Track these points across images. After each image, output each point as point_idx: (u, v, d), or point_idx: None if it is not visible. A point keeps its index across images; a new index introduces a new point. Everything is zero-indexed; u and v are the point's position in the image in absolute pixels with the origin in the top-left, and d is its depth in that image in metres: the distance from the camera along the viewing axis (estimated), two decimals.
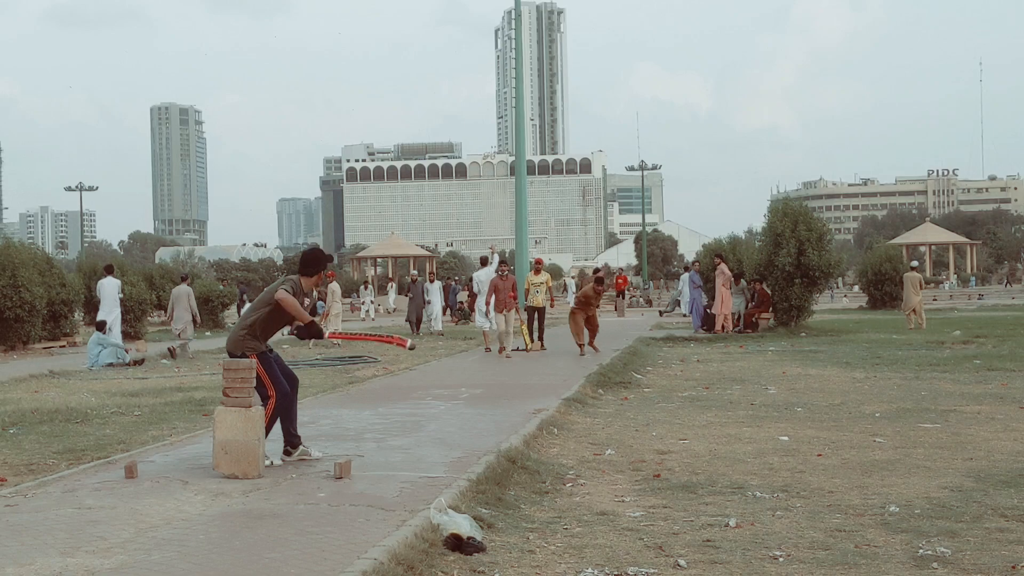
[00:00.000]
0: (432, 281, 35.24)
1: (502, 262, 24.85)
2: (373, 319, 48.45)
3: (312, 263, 9.58)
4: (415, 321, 33.82)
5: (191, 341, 25.70)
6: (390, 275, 79.02)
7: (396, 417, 12.56)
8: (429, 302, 33.89)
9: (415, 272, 45.58)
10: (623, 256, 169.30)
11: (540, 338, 24.05)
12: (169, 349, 24.03)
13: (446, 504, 7.05)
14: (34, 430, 12.33)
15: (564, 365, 19.64)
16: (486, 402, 14.00)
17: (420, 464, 9.16)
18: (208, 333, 35.39)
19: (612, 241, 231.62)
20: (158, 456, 9.79)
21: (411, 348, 11.13)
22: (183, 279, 27.34)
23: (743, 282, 29.22)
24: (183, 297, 25.90)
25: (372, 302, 51.50)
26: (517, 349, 23.66)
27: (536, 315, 24.03)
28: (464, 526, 6.69)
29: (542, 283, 23.92)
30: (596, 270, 30.12)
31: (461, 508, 7.25)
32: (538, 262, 24.92)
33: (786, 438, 10.99)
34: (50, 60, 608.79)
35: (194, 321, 26.13)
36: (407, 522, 6.83)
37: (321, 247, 9.94)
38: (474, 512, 7.24)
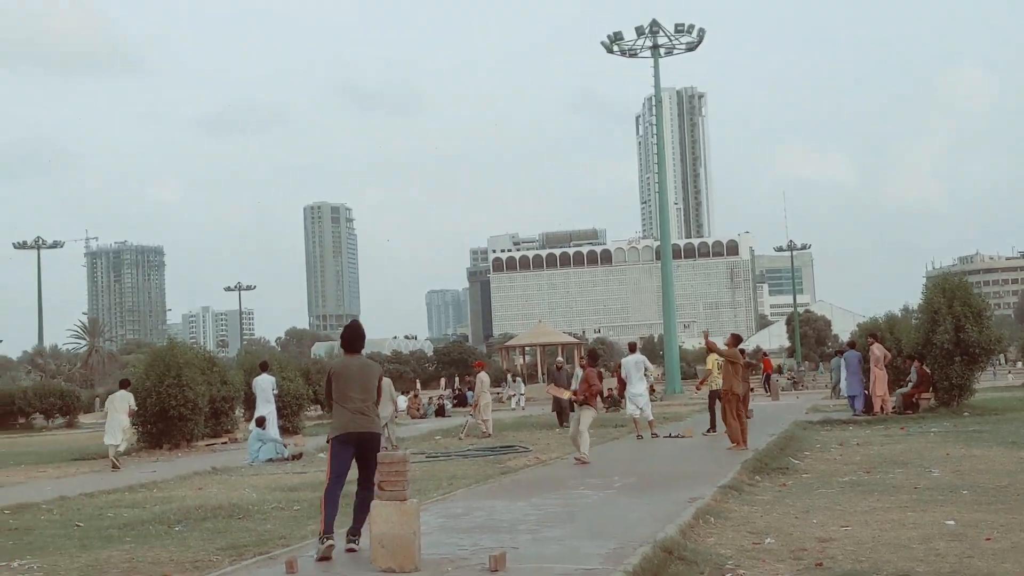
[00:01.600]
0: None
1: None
2: (523, 408, 48.55)
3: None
4: (559, 411, 32.39)
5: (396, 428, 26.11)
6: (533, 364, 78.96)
7: (549, 508, 12.53)
8: None
9: (561, 359, 44.43)
10: (774, 338, 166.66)
11: (712, 423, 23.90)
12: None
13: None
14: (199, 527, 12.66)
15: (719, 452, 19.34)
16: (640, 491, 13.87)
17: (575, 556, 9.11)
18: None
19: (763, 323, 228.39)
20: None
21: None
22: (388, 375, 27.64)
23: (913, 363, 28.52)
24: (386, 388, 26.00)
25: (522, 393, 51.62)
26: (670, 435, 23.51)
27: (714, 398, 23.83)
28: None
29: (711, 365, 24.13)
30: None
31: None
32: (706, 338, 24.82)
33: (952, 522, 10.61)
34: (203, 166, 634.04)
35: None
36: None
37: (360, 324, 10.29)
38: None
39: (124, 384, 25.83)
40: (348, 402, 9.94)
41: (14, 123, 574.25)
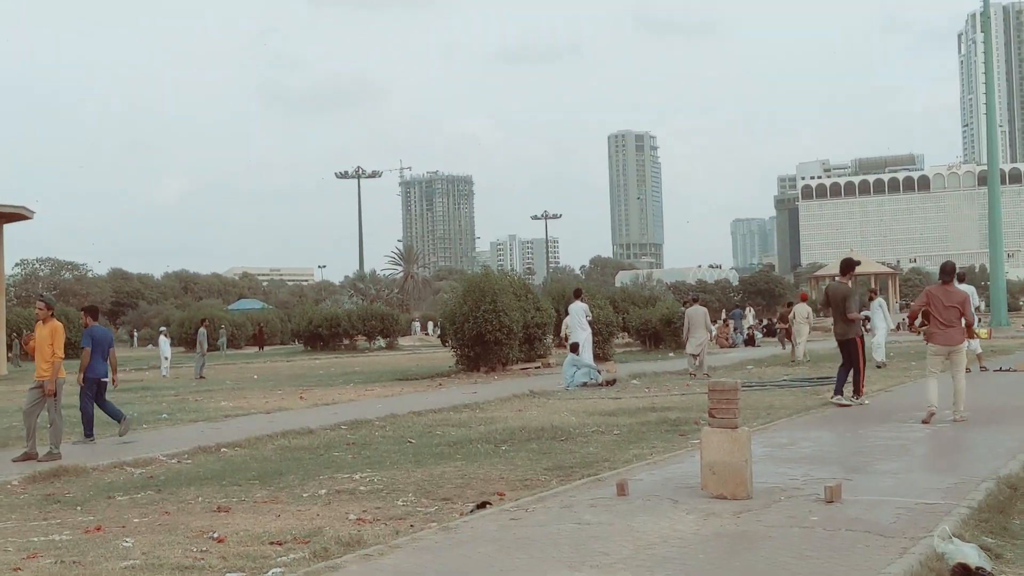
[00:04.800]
0: (872, 299, 27.69)
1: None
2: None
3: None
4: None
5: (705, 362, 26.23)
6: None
7: (879, 440, 12.14)
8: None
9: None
10: None
11: None
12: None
13: (950, 532, 6.71)
14: (523, 447, 13.00)
15: None
16: (973, 426, 13.22)
17: (913, 489, 8.79)
18: (671, 354, 35.98)
19: None
20: (644, 474, 10.01)
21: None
22: (694, 300, 27.52)
23: None
24: (699, 317, 26.01)
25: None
26: (1000, 369, 22.30)
27: None
28: (972, 556, 6.34)
29: None
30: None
31: (965, 536, 6.88)
32: None
33: None
34: (506, 98, 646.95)
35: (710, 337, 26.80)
36: (909, 550, 6.56)
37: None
38: (978, 541, 6.84)
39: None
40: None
41: (326, 59, 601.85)
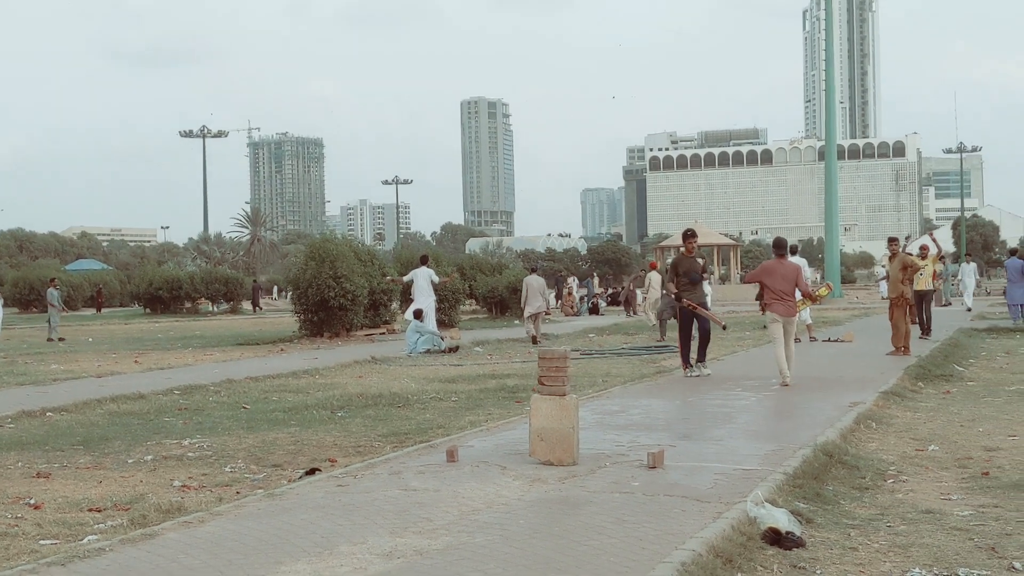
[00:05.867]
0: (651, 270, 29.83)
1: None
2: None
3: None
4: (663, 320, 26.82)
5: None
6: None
7: (706, 408, 12.46)
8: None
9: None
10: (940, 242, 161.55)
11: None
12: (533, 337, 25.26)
13: (763, 497, 6.94)
14: (360, 413, 12.98)
15: (879, 357, 18.91)
16: (799, 394, 13.67)
17: (733, 456, 9.05)
18: (516, 321, 36.26)
19: (927, 227, 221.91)
20: (476, 441, 10.09)
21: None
22: (532, 270, 28.32)
23: None
24: (536, 285, 26.61)
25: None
26: (829, 340, 23.09)
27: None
28: (782, 520, 6.57)
29: (925, 265, 23.55)
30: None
31: (778, 502, 7.14)
32: (923, 248, 25.08)
33: None
34: (355, 59, 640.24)
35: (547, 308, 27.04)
36: (723, 514, 6.76)
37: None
38: (791, 506, 7.10)
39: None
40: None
41: (167, 15, 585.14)
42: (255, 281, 65.59)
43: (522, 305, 27.17)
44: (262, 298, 77.74)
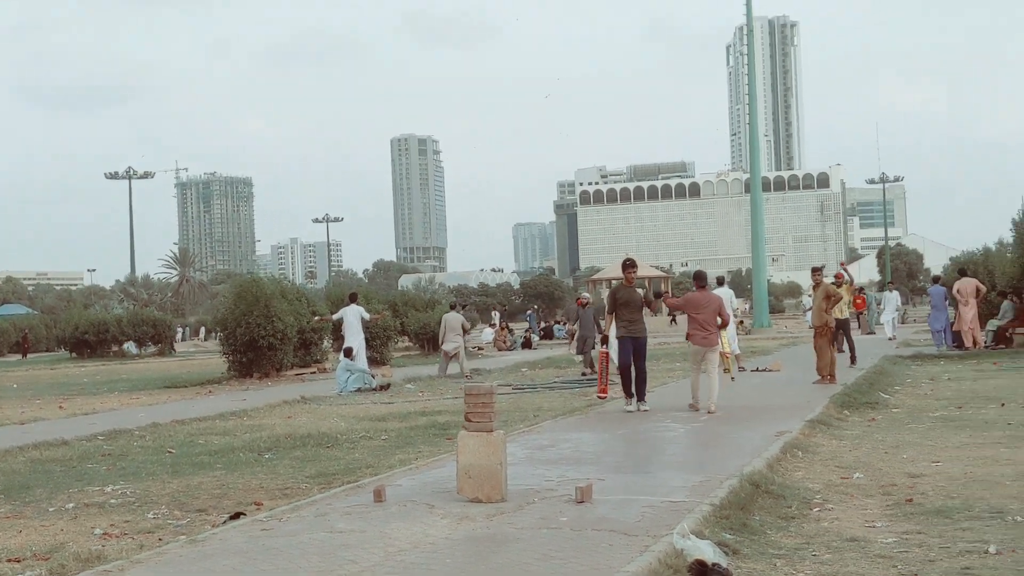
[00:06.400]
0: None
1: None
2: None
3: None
4: (586, 353, 26.62)
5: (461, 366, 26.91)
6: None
7: (636, 440, 12.50)
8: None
9: (586, 295, 31.91)
10: (865, 272, 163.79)
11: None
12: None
13: (689, 529, 6.94)
14: (288, 455, 12.83)
15: (806, 386, 19.11)
16: (727, 424, 13.76)
17: (661, 488, 9.07)
18: None
19: (853, 257, 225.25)
20: (405, 480, 10.02)
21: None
22: (452, 307, 28.68)
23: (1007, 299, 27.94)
24: (455, 321, 26.97)
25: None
26: (757, 369, 23.28)
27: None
28: (708, 552, 6.57)
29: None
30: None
31: (705, 533, 7.14)
32: (837, 276, 25.43)
33: None
34: (284, 97, 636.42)
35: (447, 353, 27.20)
36: (650, 547, 6.76)
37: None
38: (718, 538, 7.11)
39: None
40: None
41: (91, 56, 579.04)
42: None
43: (440, 342, 27.54)
44: (191, 339, 76.93)
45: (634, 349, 15.85)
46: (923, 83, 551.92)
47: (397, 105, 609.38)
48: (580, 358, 27.09)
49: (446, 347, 26.83)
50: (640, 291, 16.36)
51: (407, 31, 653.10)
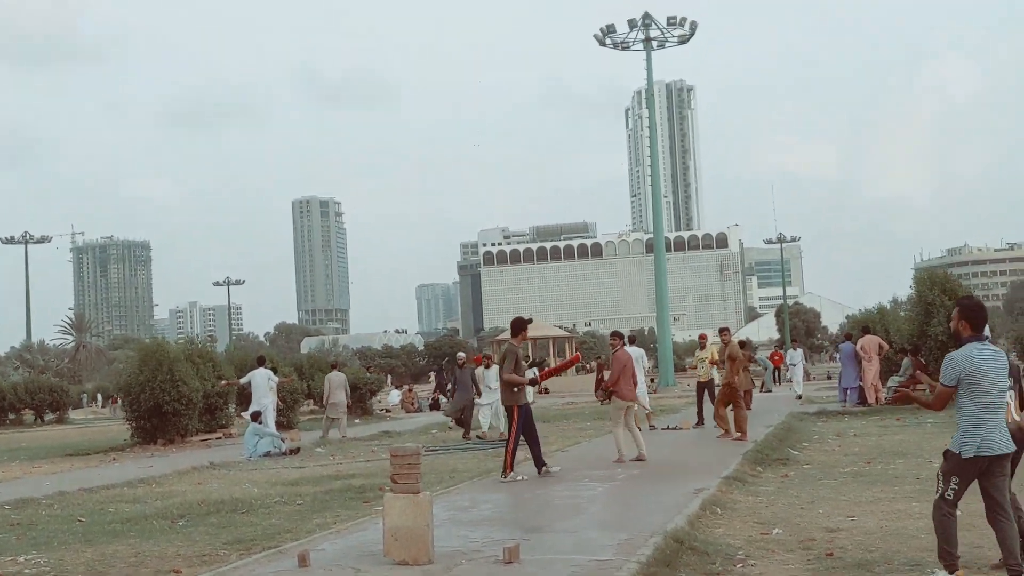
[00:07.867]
0: (489, 367, 25.58)
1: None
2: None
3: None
4: (465, 418, 25.97)
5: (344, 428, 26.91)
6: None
7: (555, 500, 12.52)
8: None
9: (462, 355, 30.39)
10: (764, 330, 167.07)
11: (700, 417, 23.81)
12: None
13: None
14: (202, 521, 12.61)
15: (718, 444, 19.35)
16: (644, 482, 13.87)
17: (587, 547, 9.11)
18: (358, 420, 35.86)
19: (752, 315, 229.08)
20: (327, 544, 9.92)
21: None
22: (333, 366, 28.58)
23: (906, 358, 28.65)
24: (338, 381, 27.12)
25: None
26: (668, 428, 23.59)
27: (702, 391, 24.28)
28: None
29: (704, 358, 24.35)
30: (742, 343, 28.45)
31: None
32: (702, 337, 25.72)
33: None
34: (182, 160, 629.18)
35: (349, 407, 27.32)
36: None
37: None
38: None
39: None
40: None
41: None
42: None
43: (324, 402, 27.77)
44: (88, 406, 75.22)
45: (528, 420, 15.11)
46: (815, 146, 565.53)
47: (298, 167, 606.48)
48: (453, 423, 26.95)
49: (330, 412, 27.44)
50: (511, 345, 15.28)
51: (301, 92, 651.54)
